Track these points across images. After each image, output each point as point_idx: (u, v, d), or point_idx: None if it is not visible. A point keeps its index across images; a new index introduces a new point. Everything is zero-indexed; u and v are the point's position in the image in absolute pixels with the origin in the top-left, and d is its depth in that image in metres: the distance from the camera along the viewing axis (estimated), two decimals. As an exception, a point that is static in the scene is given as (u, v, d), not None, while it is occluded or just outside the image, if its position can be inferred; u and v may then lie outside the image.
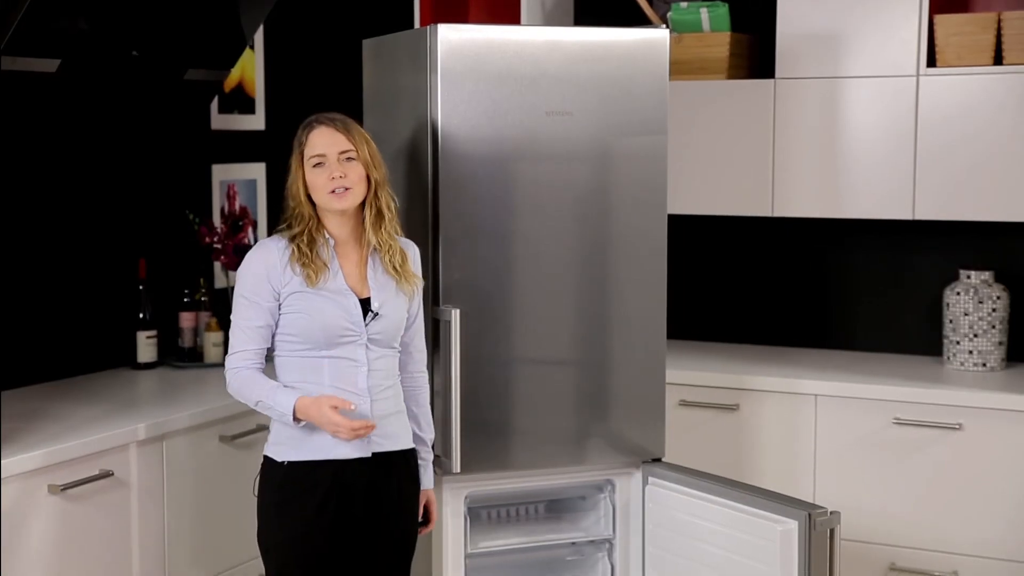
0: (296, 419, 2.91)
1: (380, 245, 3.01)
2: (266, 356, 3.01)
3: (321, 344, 2.95)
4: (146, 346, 3.99)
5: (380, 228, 3.01)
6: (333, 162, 2.96)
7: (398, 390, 3.08)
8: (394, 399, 3.06)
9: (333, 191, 2.95)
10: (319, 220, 3.01)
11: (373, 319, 2.99)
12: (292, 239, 2.98)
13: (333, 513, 2.95)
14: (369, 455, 2.98)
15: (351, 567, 3.01)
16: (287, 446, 2.97)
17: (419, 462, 3.15)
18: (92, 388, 3.72)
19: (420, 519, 3.19)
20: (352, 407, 2.90)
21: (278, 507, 2.96)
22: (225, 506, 3.47)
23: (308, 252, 2.95)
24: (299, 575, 2.96)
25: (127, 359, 4.01)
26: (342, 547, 2.98)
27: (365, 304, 2.99)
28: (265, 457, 3.00)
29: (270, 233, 3.07)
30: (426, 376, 3.20)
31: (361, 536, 3.00)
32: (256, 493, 3.01)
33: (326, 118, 3.01)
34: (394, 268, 3.02)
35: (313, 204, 3.00)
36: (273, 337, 2.99)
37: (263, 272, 2.96)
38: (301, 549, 2.94)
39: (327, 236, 3.01)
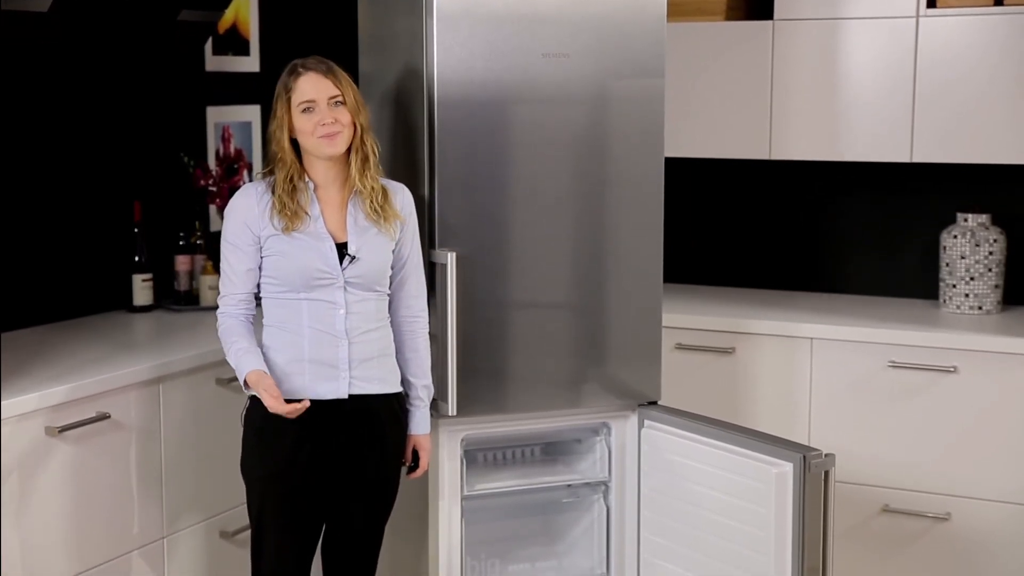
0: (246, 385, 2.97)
1: (364, 188, 3.03)
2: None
3: (299, 286, 2.99)
4: (142, 289, 3.98)
5: (366, 173, 3.03)
6: (323, 108, 2.98)
7: (384, 334, 3.10)
8: (378, 343, 3.07)
9: (323, 136, 2.97)
10: (300, 166, 3.02)
11: (350, 263, 3.00)
12: (273, 188, 3.01)
13: (309, 452, 3.00)
14: (345, 396, 3.02)
15: (329, 507, 3.08)
16: None
17: (409, 407, 3.17)
18: (88, 331, 3.72)
19: (410, 463, 3.21)
20: (297, 408, 2.90)
21: (258, 443, 3.04)
22: (222, 448, 3.48)
23: (289, 201, 2.98)
24: (277, 507, 3.03)
25: (123, 302, 4.00)
26: (319, 485, 3.04)
27: (344, 248, 3.01)
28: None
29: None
30: (423, 321, 3.20)
31: (338, 476, 3.05)
32: (243, 423, 3.08)
33: (313, 63, 3.03)
34: (374, 209, 3.04)
35: (296, 150, 3.02)
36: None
37: (242, 217, 3.01)
38: (279, 484, 3.02)
39: (307, 181, 3.02)
